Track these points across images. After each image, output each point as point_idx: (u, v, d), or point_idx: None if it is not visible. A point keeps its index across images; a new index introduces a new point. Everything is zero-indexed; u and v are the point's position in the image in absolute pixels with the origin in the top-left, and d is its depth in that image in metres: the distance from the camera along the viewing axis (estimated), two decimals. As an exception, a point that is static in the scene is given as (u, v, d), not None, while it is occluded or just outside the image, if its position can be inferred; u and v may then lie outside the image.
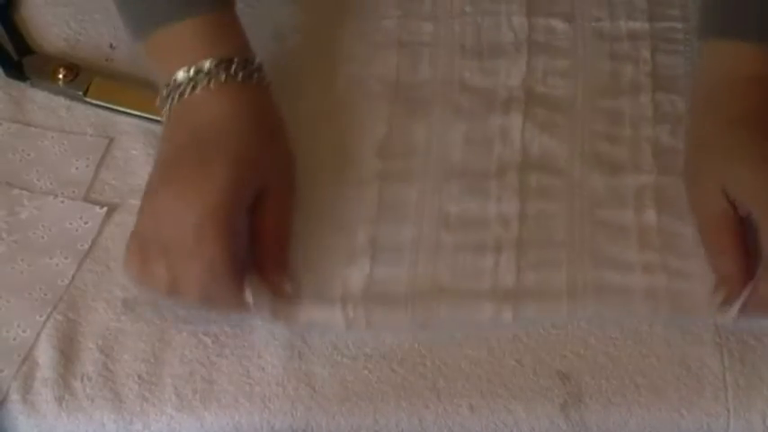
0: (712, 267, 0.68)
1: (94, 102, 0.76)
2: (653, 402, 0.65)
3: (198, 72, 0.67)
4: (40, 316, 0.68)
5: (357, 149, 0.73)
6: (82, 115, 0.76)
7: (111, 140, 0.75)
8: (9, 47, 0.79)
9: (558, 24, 0.79)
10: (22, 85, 0.77)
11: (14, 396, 0.65)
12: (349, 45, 0.79)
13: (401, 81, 0.77)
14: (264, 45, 0.73)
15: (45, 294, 0.68)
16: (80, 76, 0.77)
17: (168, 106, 0.68)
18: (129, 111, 0.76)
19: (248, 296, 0.65)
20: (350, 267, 0.69)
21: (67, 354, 0.66)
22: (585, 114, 0.75)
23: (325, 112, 0.75)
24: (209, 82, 0.67)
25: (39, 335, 0.67)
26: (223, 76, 0.67)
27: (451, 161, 0.73)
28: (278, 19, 0.80)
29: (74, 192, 0.73)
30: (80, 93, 0.76)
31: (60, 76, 0.76)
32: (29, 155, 0.74)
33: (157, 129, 0.75)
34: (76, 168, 0.74)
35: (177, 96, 0.67)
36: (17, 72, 0.77)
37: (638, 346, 0.67)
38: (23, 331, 0.67)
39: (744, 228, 0.67)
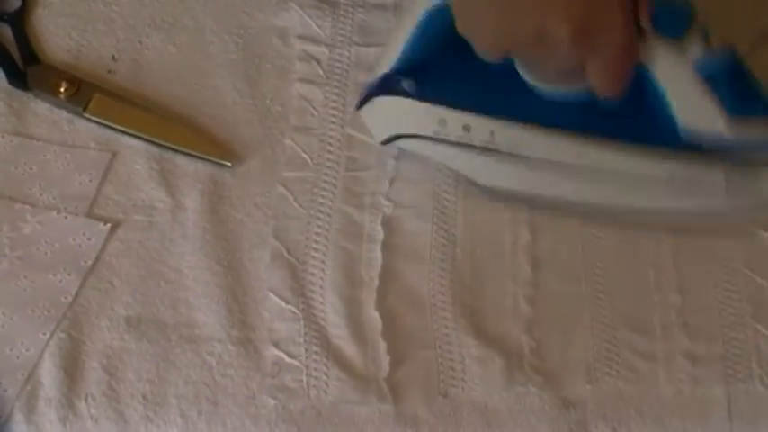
0: None
1: (94, 119, 0.76)
2: None
3: None
4: (44, 334, 0.67)
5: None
6: (84, 128, 0.76)
7: (114, 155, 0.75)
8: (16, 55, 0.78)
9: None
10: (24, 96, 0.77)
11: (18, 416, 0.65)
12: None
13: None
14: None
15: (48, 311, 0.68)
16: (81, 91, 0.76)
17: None
18: (127, 131, 0.75)
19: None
20: None
21: (71, 373, 0.66)
22: None
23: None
24: None
25: (42, 353, 0.67)
26: None
27: None
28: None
29: (77, 207, 0.72)
30: (80, 108, 0.76)
31: (62, 89, 0.76)
32: (31, 168, 0.74)
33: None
34: (79, 183, 0.73)
35: None
36: (20, 82, 0.77)
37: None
38: (27, 349, 0.67)
39: None
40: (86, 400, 0.65)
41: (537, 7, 0.61)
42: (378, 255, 0.71)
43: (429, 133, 0.70)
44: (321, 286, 0.70)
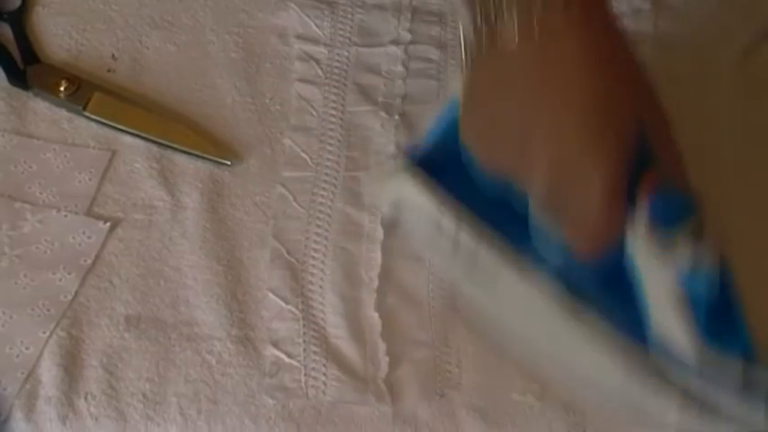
0: None
1: (94, 117, 0.76)
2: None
3: None
4: (43, 332, 0.67)
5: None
6: (84, 127, 0.76)
7: (114, 153, 0.75)
8: (16, 54, 0.78)
9: None
10: (23, 95, 0.77)
11: (18, 414, 0.65)
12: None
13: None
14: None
15: (48, 310, 0.68)
16: (81, 90, 0.76)
17: None
18: (127, 129, 0.75)
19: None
20: None
21: (71, 371, 0.66)
22: None
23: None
24: None
25: (42, 352, 0.67)
26: None
27: None
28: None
29: (77, 205, 0.72)
30: (80, 107, 0.76)
31: (62, 88, 0.76)
32: (31, 167, 0.74)
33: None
34: (79, 182, 0.73)
35: None
36: (20, 81, 0.77)
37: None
38: (26, 348, 0.67)
39: None
40: (86, 398, 0.65)
41: (517, 158, 0.58)
42: (378, 255, 0.71)
43: (428, 227, 0.64)
44: (320, 286, 0.70)
